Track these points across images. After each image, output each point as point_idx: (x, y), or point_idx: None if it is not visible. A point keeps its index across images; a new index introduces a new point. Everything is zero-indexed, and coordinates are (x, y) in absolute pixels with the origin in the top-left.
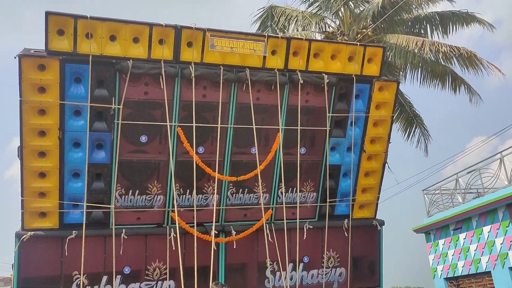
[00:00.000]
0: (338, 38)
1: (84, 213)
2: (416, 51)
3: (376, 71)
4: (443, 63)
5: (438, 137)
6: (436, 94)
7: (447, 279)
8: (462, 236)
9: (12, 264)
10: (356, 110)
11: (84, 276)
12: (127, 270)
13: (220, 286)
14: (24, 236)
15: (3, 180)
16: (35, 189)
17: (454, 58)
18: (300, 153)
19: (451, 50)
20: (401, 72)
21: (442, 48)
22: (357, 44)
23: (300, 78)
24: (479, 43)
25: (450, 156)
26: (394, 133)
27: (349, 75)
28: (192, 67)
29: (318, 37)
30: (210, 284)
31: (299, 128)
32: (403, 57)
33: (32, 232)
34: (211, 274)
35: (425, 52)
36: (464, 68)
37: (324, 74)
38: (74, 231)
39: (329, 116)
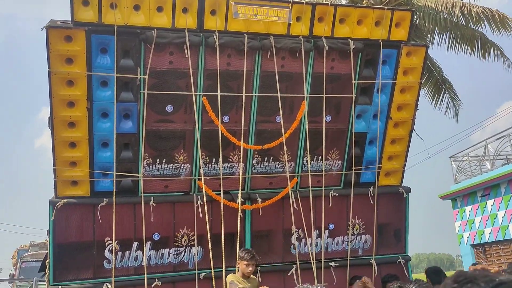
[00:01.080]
0: (363, 2)
1: (114, 181)
2: (446, 13)
3: (404, 35)
4: (473, 26)
5: (467, 102)
6: (465, 57)
7: (473, 245)
8: (489, 202)
9: (47, 231)
10: (383, 76)
11: (116, 242)
12: (156, 236)
13: (246, 252)
14: (58, 204)
15: (34, 149)
16: (66, 158)
17: (485, 20)
18: (325, 121)
19: (483, 11)
20: (429, 36)
21: (474, 9)
22: (384, 8)
23: (325, 44)
24: (510, 3)
25: (479, 121)
26: (422, 99)
27: (375, 41)
28: (216, 35)
29: (343, 1)
30: (237, 251)
31: (324, 95)
32: (432, 20)
33: (65, 200)
34: (238, 241)
35: (456, 13)
36: (496, 31)
37: (350, 40)
38: (105, 199)
39: (355, 83)
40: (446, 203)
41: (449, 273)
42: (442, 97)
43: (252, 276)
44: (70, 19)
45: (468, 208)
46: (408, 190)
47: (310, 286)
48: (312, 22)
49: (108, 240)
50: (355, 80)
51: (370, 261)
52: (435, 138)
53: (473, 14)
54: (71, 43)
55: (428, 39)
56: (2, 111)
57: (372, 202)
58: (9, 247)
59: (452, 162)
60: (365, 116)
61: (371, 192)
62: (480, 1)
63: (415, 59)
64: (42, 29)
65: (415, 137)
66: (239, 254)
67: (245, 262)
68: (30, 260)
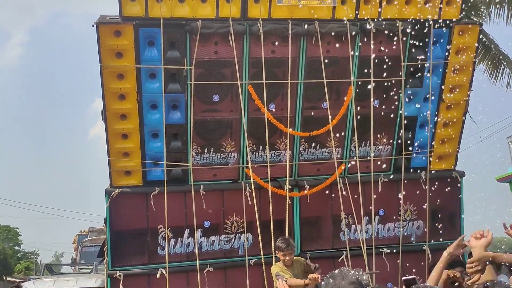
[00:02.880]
0: None
1: (165, 171)
2: None
3: (456, 14)
4: None
5: None
6: None
7: None
8: None
9: (104, 219)
10: (434, 57)
11: (168, 229)
12: (207, 223)
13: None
14: (113, 193)
15: (88, 139)
16: (119, 149)
17: None
18: (373, 105)
19: None
20: (484, 11)
21: None
22: None
23: (372, 27)
24: None
25: None
26: (479, 75)
27: (425, 20)
28: (260, 23)
29: None
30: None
31: (372, 79)
32: None
33: (120, 189)
34: (286, 227)
35: None
36: None
37: (398, 21)
38: (156, 188)
39: (404, 65)
40: (504, 186)
41: None
42: (502, 73)
43: (295, 258)
44: (118, 15)
45: None
46: (462, 174)
47: (349, 272)
48: (358, 4)
49: (161, 228)
50: (404, 62)
51: (423, 248)
52: (491, 118)
53: None
54: (120, 38)
55: (484, 15)
56: (58, 104)
57: (424, 187)
58: (69, 233)
59: (510, 143)
60: (415, 99)
61: (423, 177)
62: None
63: (468, 38)
64: (93, 25)
65: (471, 120)
66: (275, 245)
67: (282, 253)
68: (90, 245)
